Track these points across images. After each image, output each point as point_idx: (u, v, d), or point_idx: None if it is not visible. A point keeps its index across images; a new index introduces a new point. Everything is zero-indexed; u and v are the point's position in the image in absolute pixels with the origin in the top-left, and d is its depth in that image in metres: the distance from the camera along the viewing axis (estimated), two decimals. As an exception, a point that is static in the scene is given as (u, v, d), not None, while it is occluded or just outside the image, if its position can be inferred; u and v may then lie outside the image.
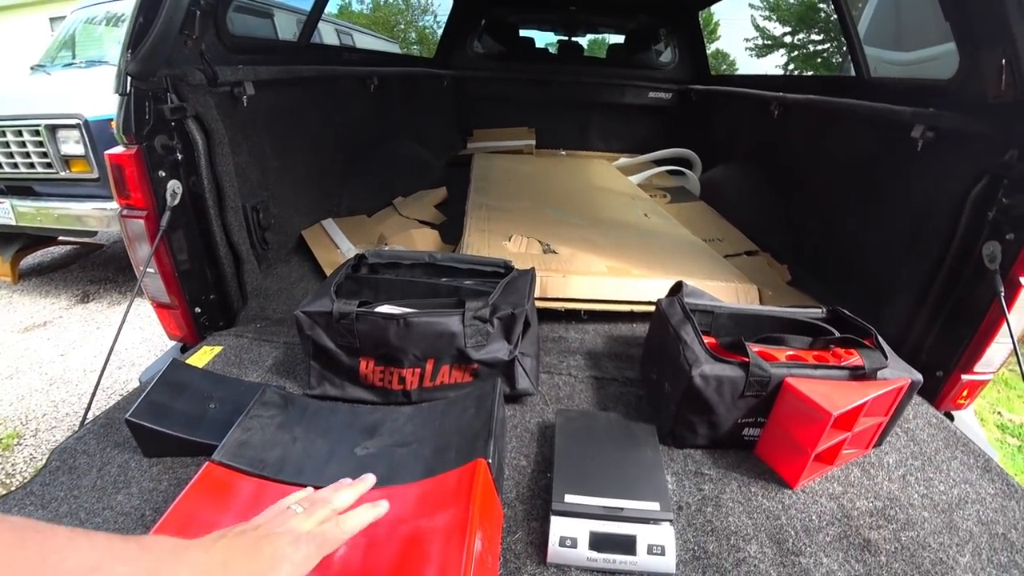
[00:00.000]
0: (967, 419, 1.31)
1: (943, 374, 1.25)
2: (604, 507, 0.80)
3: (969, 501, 0.95)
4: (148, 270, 1.32)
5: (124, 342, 2.71)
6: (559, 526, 0.78)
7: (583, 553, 0.77)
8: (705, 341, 0.98)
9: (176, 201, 1.27)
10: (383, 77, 2.44)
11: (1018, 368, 1.08)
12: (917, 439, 1.10)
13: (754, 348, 0.96)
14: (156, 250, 1.28)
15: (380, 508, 0.71)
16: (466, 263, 1.23)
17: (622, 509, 0.80)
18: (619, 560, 0.77)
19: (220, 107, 1.41)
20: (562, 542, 0.77)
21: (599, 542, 0.77)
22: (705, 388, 0.92)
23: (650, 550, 0.77)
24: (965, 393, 1.27)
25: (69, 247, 3.91)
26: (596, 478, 0.85)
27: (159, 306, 1.40)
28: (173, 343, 1.49)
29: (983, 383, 1.26)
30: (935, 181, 1.35)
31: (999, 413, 2.51)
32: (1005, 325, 1.12)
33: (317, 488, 0.76)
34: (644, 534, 0.78)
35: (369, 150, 2.40)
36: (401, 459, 0.84)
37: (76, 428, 1.08)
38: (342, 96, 2.19)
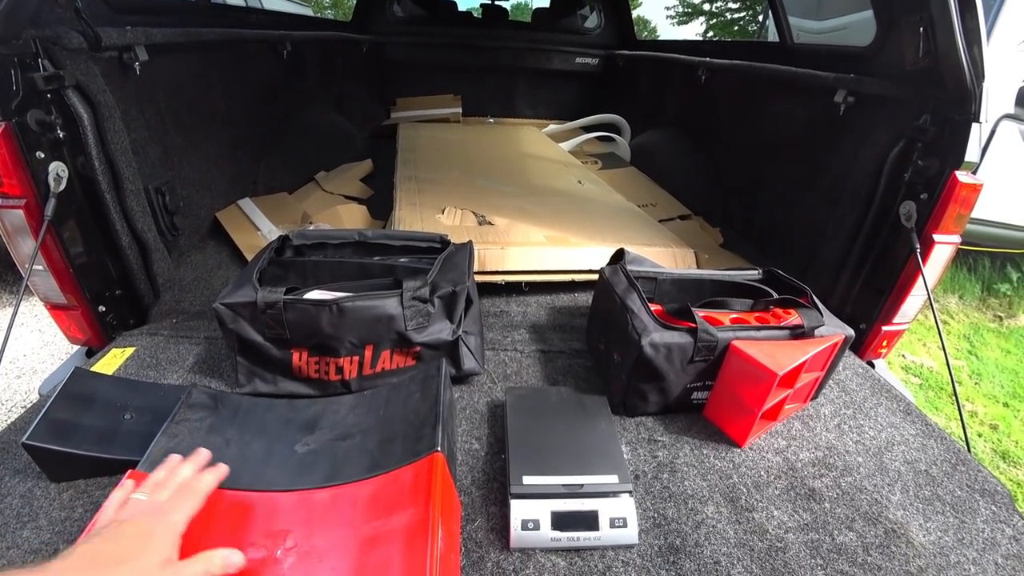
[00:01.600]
0: (882, 365, 1.40)
1: (866, 326, 1.32)
2: (563, 485, 0.79)
3: (895, 443, 1.01)
4: (36, 267, 1.15)
5: (22, 347, 2.44)
6: (519, 509, 0.76)
7: (546, 534, 0.75)
8: (652, 308, 0.97)
9: (61, 186, 1.10)
10: (296, 43, 2.26)
11: (922, 317, 1.15)
12: (847, 389, 1.16)
13: (699, 313, 0.96)
14: (43, 244, 1.11)
15: (221, 471, 0.69)
16: (399, 239, 1.16)
17: (582, 485, 0.79)
18: (583, 537, 0.76)
19: (107, 76, 1.23)
20: (524, 525, 0.75)
21: (561, 521, 0.76)
22: (655, 356, 0.91)
23: (612, 523, 0.76)
24: (885, 343, 1.35)
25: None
26: (552, 456, 0.83)
27: (54, 308, 1.22)
28: (77, 347, 1.32)
29: (900, 333, 1.35)
30: (856, 144, 1.40)
31: (903, 356, 2.73)
32: (921, 279, 1.19)
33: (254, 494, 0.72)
34: (605, 508, 0.77)
35: (285, 122, 2.23)
36: (345, 454, 0.79)
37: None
38: (251, 63, 2.00)
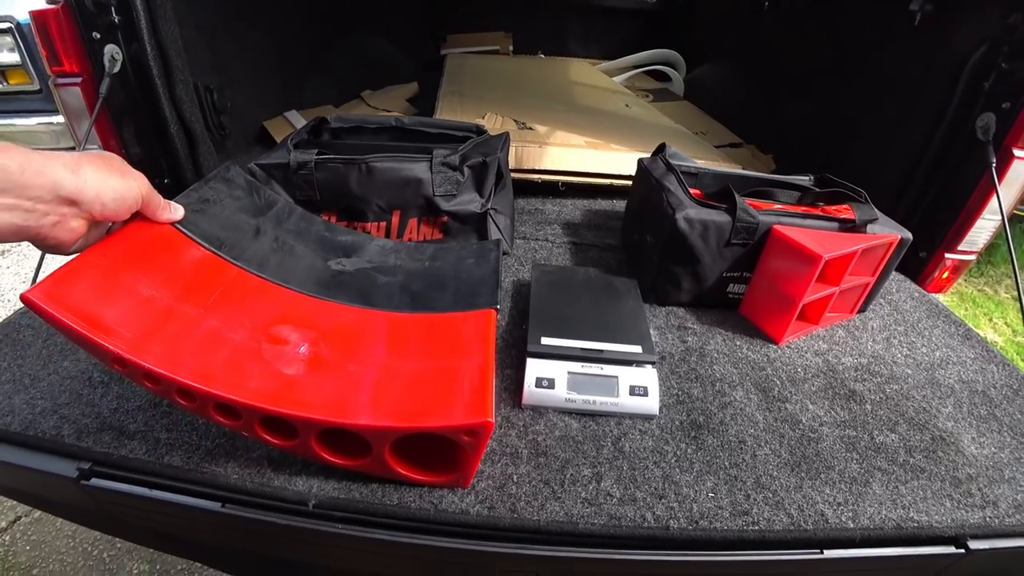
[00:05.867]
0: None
1: (927, 254, 1.23)
2: (582, 349, 0.76)
3: (951, 363, 0.94)
4: (91, 147, 1.20)
5: None
6: (535, 367, 0.74)
7: (561, 394, 0.73)
8: (691, 192, 0.92)
9: (116, 68, 1.13)
10: None
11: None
12: (900, 309, 1.09)
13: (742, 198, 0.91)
14: (99, 125, 1.15)
15: (177, 214, 0.66)
16: (436, 127, 1.13)
17: (602, 351, 0.76)
18: (599, 401, 0.73)
19: None
20: (538, 383, 0.73)
21: (578, 383, 0.73)
22: (690, 233, 0.86)
23: (632, 391, 0.73)
24: (946, 275, 1.26)
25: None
26: (573, 324, 0.80)
27: None
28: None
29: (966, 263, 1.24)
30: (930, 55, 1.29)
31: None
32: (994, 199, 1.09)
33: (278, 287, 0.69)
34: (626, 375, 0.74)
35: (333, 42, 2.23)
36: (384, 286, 0.77)
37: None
38: None
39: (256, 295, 0.66)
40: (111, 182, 0.52)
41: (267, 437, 0.56)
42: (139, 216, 0.61)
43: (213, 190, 0.75)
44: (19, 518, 1.41)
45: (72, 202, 0.49)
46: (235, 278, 0.66)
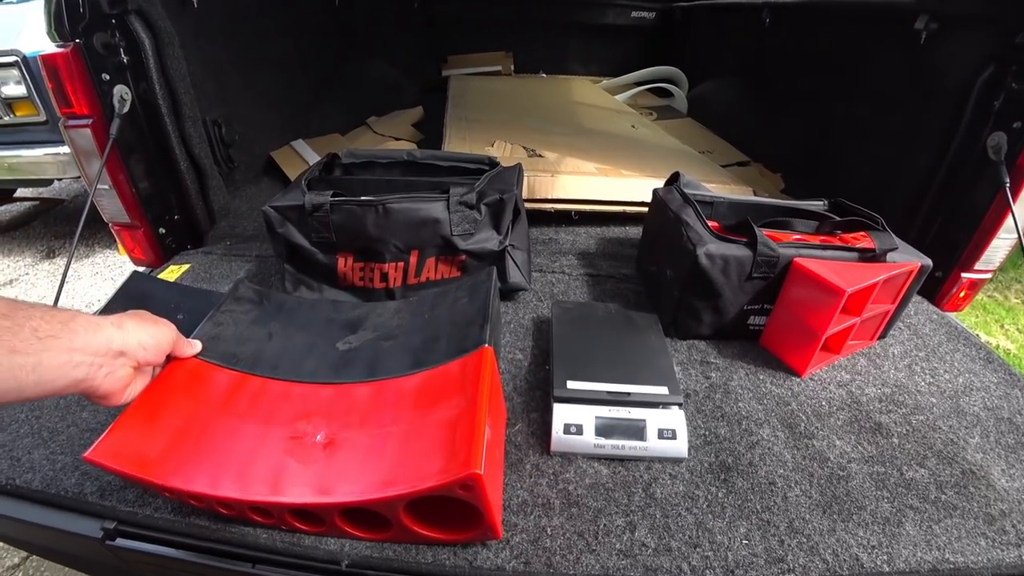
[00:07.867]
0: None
1: (943, 274, 1.22)
2: (609, 392, 0.75)
3: (974, 389, 0.93)
4: (102, 187, 1.19)
5: (98, 294, 2.60)
6: (562, 413, 0.73)
7: (589, 440, 0.72)
8: (709, 224, 0.92)
9: (125, 108, 1.13)
10: None
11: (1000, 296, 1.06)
12: (920, 333, 1.08)
13: (760, 230, 0.90)
14: (109, 163, 1.15)
15: (196, 348, 0.73)
16: (448, 160, 1.13)
17: (629, 394, 0.75)
18: (628, 446, 0.72)
19: (167, 6, 1.26)
20: (566, 429, 0.72)
21: (606, 428, 0.72)
22: (711, 268, 0.86)
23: (660, 434, 0.72)
24: (963, 294, 1.25)
25: (28, 204, 3.64)
26: (598, 365, 0.80)
27: (119, 227, 1.28)
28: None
29: (982, 282, 1.24)
30: (937, 74, 1.29)
31: (978, 335, 2.54)
32: (1009, 218, 1.09)
33: (294, 384, 0.72)
34: (653, 418, 0.73)
35: (338, 70, 2.24)
36: (387, 352, 0.77)
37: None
38: (303, 10, 2.02)
39: (276, 398, 0.71)
40: (149, 331, 0.62)
41: (303, 527, 0.61)
42: (170, 359, 0.69)
43: (225, 313, 0.83)
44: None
45: (121, 353, 0.56)
46: (257, 388, 0.72)
